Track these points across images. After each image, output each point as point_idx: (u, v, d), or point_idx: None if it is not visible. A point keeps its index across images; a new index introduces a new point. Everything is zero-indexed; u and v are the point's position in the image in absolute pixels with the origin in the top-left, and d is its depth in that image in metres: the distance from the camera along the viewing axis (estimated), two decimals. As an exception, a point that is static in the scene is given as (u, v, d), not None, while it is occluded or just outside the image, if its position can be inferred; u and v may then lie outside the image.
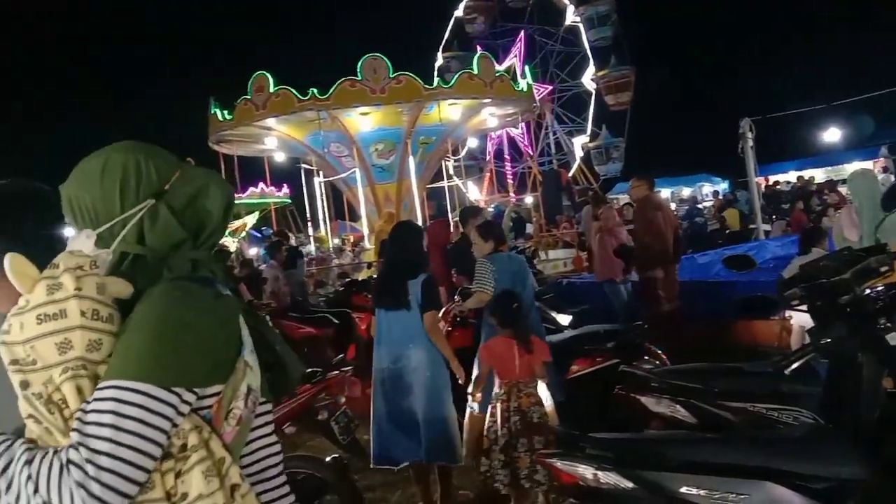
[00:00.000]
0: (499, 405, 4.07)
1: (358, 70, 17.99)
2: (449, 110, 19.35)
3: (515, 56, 37.68)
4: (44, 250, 1.29)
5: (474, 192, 34.34)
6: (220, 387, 1.23)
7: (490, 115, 22.29)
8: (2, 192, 1.52)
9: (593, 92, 39.41)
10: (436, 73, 29.20)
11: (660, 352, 5.21)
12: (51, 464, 1.09)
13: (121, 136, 1.44)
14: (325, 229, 24.35)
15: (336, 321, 8.16)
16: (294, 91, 18.16)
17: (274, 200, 27.88)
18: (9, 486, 1.10)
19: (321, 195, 21.85)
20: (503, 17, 40.57)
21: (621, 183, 32.34)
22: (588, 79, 39.32)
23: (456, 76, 19.77)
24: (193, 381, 1.17)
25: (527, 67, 23.98)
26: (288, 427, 3.76)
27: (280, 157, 24.71)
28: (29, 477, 1.08)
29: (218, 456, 1.20)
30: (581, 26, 38.93)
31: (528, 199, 29.16)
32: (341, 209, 25.41)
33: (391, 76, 18.13)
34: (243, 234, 26.99)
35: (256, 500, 1.24)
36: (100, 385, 1.13)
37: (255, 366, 1.31)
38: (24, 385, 1.15)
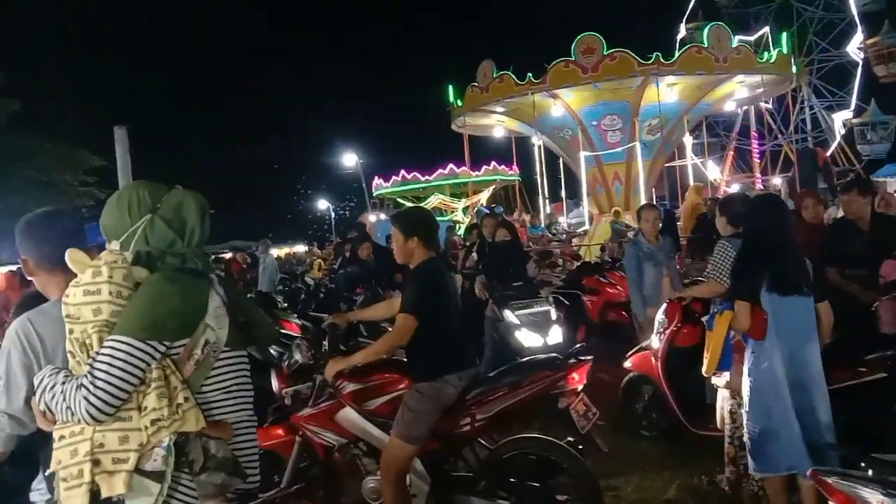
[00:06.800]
0: None
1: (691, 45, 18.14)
2: (737, 87, 18.71)
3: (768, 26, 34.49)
4: (68, 246, 2.02)
5: (714, 172, 32.24)
6: (187, 339, 1.92)
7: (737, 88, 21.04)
8: (49, 212, 2.38)
9: (860, 62, 35.00)
10: (677, 45, 27.77)
11: None
12: (72, 384, 1.85)
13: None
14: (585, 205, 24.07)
15: (566, 303, 8.11)
16: (513, 77, 18.48)
17: (502, 178, 28.39)
18: (53, 397, 1.88)
19: (584, 171, 21.01)
20: (755, -18, 37.32)
21: (890, 165, 28.51)
22: (854, 47, 34.97)
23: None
24: (163, 337, 1.88)
25: (784, 35, 21.84)
26: (525, 411, 3.77)
27: (499, 133, 24.99)
28: (62, 392, 1.86)
29: (173, 385, 1.89)
30: (849, -11, 34.64)
31: (776, 181, 26.78)
32: (575, 189, 25.11)
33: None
34: (475, 209, 27.82)
35: (196, 413, 1.90)
36: (108, 338, 1.85)
37: (216, 326, 1.97)
38: (71, 332, 1.91)
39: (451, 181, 27.90)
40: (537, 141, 25.48)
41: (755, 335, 3.62)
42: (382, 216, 27.70)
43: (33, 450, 2.31)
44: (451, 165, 27.34)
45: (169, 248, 2.00)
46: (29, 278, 2.41)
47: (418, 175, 27.93)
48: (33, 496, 2.48)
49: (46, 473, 2.16)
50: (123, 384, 1.82)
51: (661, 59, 17.34)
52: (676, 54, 17.74)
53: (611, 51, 17.60)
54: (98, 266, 1.90)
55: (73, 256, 1.98)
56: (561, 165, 26.06)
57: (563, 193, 27.34)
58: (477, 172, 27.77)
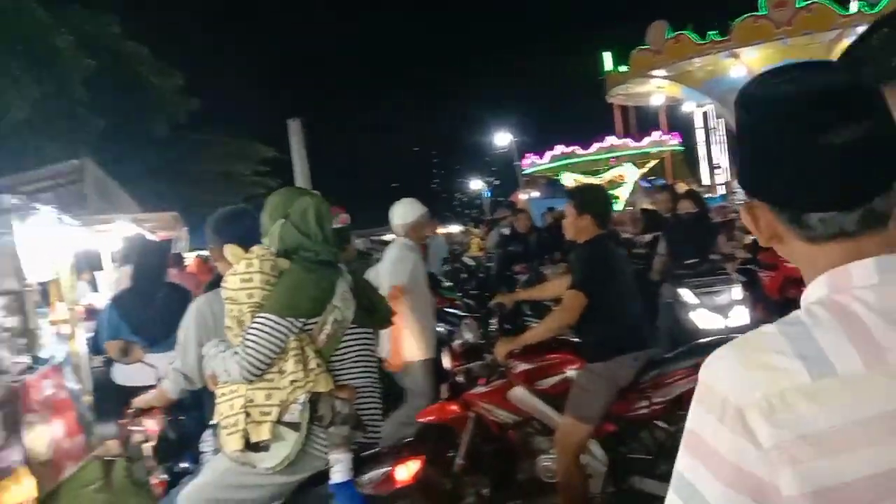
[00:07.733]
0: None
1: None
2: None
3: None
4: (250, 241, 2.50)
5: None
6: (319, 317, 2.38)
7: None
8: (233, 211, 2.84)
9: None
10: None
11: None
12: (230, 352, 2.32)
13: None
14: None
15: (742, 279, 7.62)
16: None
17: (657, 150, 26.93)
18: (216, 363, 2.36)
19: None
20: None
21: None
22: None
23: None
24: (299, 315, 2.33)
25: None
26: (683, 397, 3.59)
27: (657, 101, 23.75)
28: (223, 359, 2.33)
29: (307, 353, 2.32)
30: None
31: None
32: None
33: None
34: (625, 184, 26.64)
35: (326, 377, 2.35)
36: (257, 315, 2.30)
37: (343, 307, 2.44)
38: (230, 311, 2.38)
39: (655, 149, 26.54)
40: (696, 108, 24.19)
41: None
42: (535, 194, 27.44)
43: (202, 404, 2.97)
44: (657, 132, 26.00)
45: (300, 246, 2.43)
46: (214, 264, 2.98)
47: (630, 141, 26.62)
48: (203, 447, 2.99)
49: (211, 423, 2.70)
50: (268, 351, 2.27)
51: (864, 10, 15.61)
52: (882, 2, 15.91)
53: (806, 3, 16.08)
54: (250, 259, 2.37)
55: (230, 251, 2.49)
56: (723, 132, 24.63)
57: (723, 162, 25.81)
58: (673, 140, 26.30)
